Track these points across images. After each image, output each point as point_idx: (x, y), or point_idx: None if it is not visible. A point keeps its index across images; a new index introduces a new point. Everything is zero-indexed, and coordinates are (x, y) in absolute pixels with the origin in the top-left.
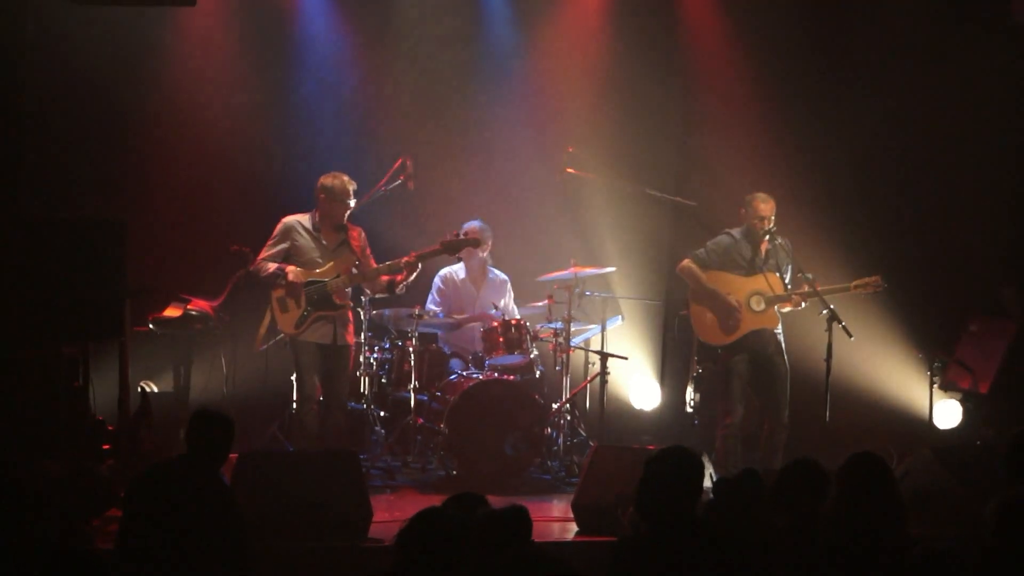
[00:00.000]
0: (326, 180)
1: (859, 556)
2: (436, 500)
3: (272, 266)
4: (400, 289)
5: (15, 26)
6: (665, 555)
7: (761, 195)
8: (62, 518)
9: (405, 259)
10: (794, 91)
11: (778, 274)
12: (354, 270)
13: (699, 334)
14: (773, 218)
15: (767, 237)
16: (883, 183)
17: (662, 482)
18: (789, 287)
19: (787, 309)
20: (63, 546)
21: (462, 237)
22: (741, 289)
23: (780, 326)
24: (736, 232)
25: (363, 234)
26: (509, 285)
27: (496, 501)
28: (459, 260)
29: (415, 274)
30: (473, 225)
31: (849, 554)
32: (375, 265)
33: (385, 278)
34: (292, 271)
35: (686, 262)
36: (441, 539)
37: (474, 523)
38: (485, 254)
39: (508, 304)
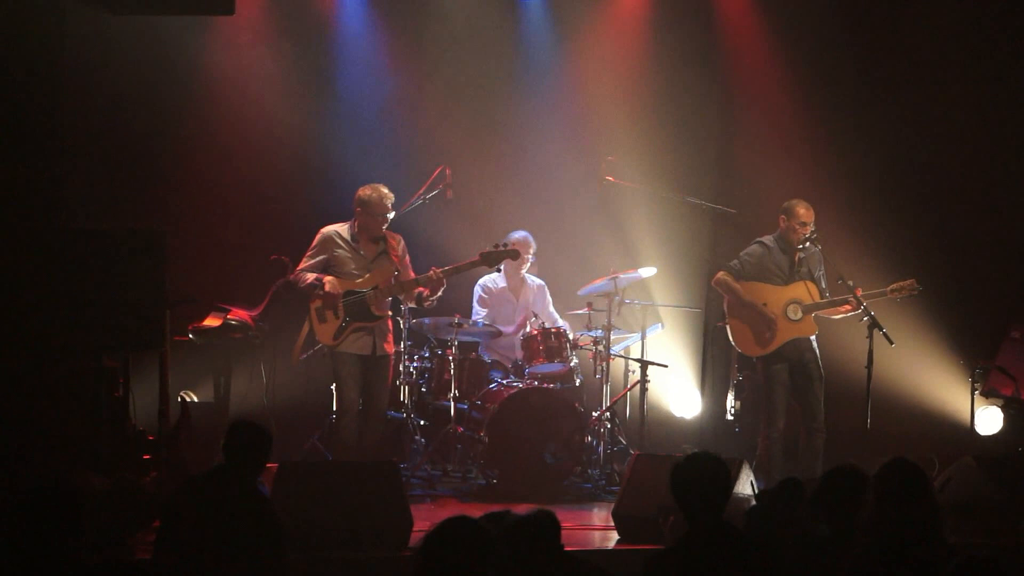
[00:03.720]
0: (362, 192)
1: (895, 563)
2: (477, 509)
3: (310, 276)
4: (428, 304)
5: (55, 38)
6: (695, 563)
7: (802, 201)
8: (104, 531)
9: (431, 272)
10: (833, 97)
11: (814, 282)
12: (394, 280)
13: (737, 345)
14: (812, 224)
15: (807, 243)
16: (924, 188)
17: (687, 489)
18: (826, 293)
19: (839, 316)
20: (104, 558)
21: (501, 248)
22: (778, 299)
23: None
24: (768, 240)
25: (403, 242)
26: (547, 290)
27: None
28: (498, 270)
29: (441, 290)
30: (516, 236)
31: (885, 561)
32: (413, 274)
33: (417, 290)
34: (329, 282)
35: (721, 275)
36: (466, 547)
37: (503, 529)
38: (527, 265)
39: (547, 309)
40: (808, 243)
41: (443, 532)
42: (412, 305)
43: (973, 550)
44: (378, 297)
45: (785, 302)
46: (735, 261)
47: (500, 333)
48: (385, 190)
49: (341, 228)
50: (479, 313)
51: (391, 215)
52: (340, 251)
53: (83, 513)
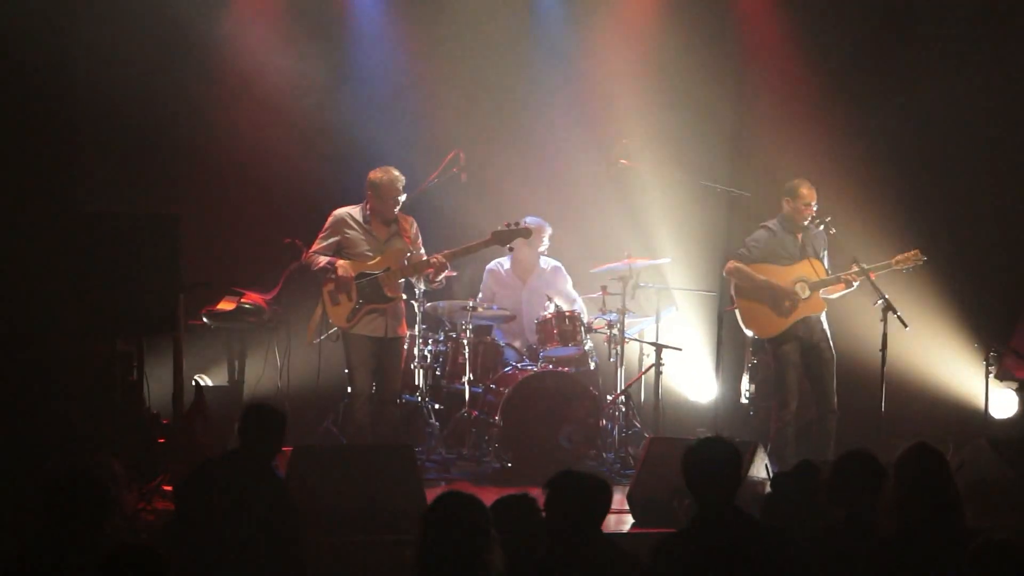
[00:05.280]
0: (374, 175)
1: (916, 548)
2: (491, 492)
3: (322, 260)
4: (436, 286)
5: (66, 21)
6: (704, 547)
7: (804, 181)
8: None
9: (434, 257)
10: (846, 78)
11: (819, 259)
12: (406, 261)
13: (747, 328)
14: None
15: (820, 225)
16: (937, 171)
17: (698, 472)
18: (829, 271)
19: (837, 294)
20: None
21: (513, 227)
22: (784, 278)
23: (824, 313)
24: (772, 224)
25: (415, 224)
26: (563, 270)
27: None
28: (511, 250)
29: (444, 272)
30: (529, 222)
31: (906, 546)
32: (425, 256)
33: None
34: (341, 265)
35: (732, 264)
36: (464, 521)
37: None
38: (540, 249)
39: (565, 289)
40: (823, 226)
41: (440, 507)
42: (423, 287)
43: (988, 532)
44: (391, 278)
45: (792, 280)
46: (742, 248)
47: (513, 318)
48: (396, 172)
49: (353, 210)
50: (478, 298)
51: (403, 197)
52: (352, 233)
53: (111, 496)
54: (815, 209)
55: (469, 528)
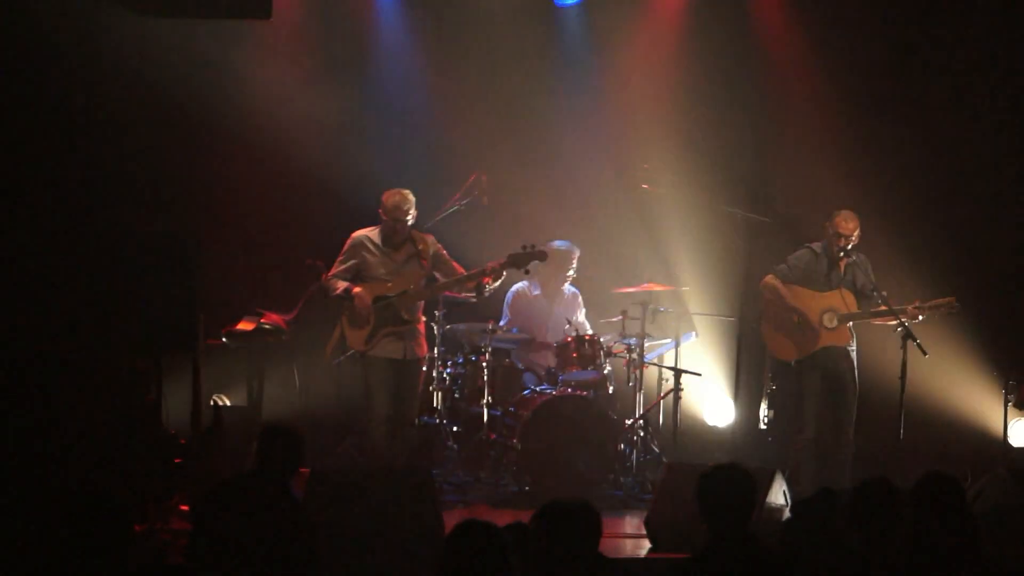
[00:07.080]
0: (384, 197)
1: None
2: (509, 516)
3: (341, 285)
4: (487, 292)
5: (89, 42)
6: (717, 574)
7: (846, 212)
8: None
9: (489, 265)
10: (870, 106)
11: (853, 292)
12: (424, 283)
13: (771, 349)
14: (853, 237)
15: (842, 254)
16: (962, 199)
17: (713, 499)
18: (863, 305)
19: (878, 321)
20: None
21: (529, 249)
22: (815, 305)
23: (854, 343)
24: (817, 247)
25: (434, 243)
26: (580, 298)
27: None
28: (527, 272)
29: (500, 279)
30: (558, 245)
31: (923, 575)
32: (459, 267)
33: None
34: (358, 294)
35: (769, 278)
36: (483, 551)
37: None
38: (568, 273)
39: (578, 318)
40: (845, 255)
41: (459, 537)
42: (468, 295)
43: (1006, 561)
44: (407, 301)
45: (821, 309)
46: (783, 264)
47: (533, 340)
48: (406, 193)
49: (371, 232)
50: (506, 319)
51: (410, 218)
52: (370, 255)
53: (131, 523)
54: (852, 240)
55: (489, 559)
